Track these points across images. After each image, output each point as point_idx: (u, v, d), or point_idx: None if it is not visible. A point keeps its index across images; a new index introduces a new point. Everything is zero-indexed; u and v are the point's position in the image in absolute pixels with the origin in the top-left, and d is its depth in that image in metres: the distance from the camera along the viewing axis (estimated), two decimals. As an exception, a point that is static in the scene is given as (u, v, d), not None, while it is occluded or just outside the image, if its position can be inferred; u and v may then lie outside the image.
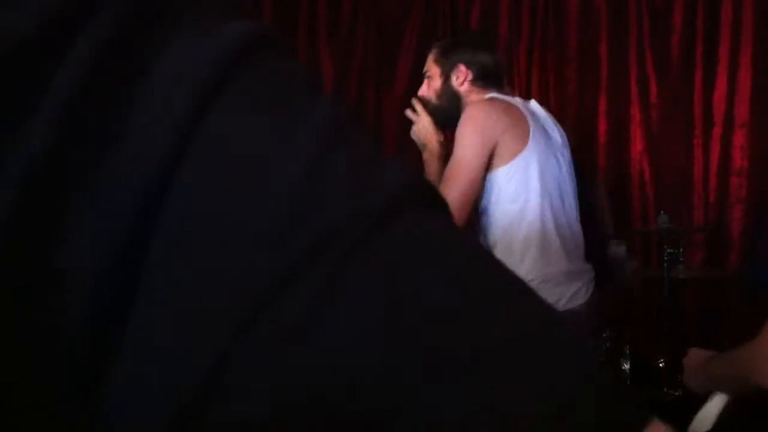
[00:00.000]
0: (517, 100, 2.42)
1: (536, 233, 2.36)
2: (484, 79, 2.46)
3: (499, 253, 2.32)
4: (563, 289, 2.38)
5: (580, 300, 2.41)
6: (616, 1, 4.02)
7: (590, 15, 4.01)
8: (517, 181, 2.33)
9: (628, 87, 3.98)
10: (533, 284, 2.21)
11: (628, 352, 3.25)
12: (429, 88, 2.51)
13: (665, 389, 3.22)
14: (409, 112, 2.53)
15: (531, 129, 2.36)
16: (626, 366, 3.23)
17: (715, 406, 1.94)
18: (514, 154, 2.34)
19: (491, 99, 2.38)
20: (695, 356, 1.93)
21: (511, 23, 4.03)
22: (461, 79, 2.46)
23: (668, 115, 3.96)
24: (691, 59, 3.92)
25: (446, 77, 2.47)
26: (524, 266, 2.33)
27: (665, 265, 3.34)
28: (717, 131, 3.87)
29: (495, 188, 2.35)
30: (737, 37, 3.84)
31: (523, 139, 2.34)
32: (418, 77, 4.00)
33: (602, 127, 4.00)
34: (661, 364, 3.28)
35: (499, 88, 2.44)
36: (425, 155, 2.45)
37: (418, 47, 4.05)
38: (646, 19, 3.97)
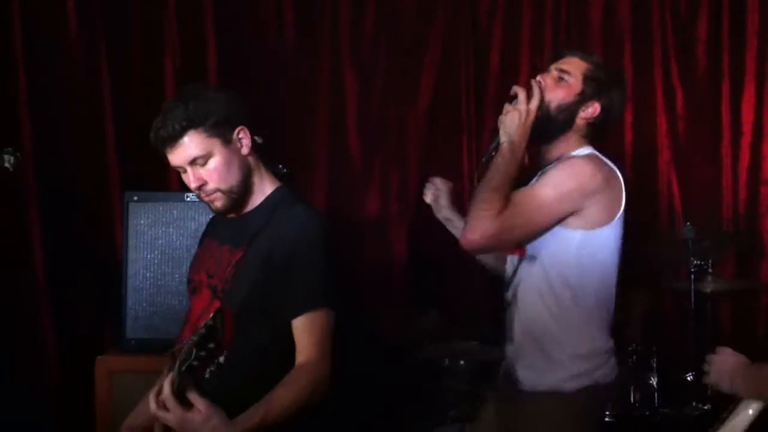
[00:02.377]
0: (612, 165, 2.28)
1: (592, 308, 2.26)
2: (598, 129, 2.31)
3: (538, 310, 2.25)
4: (610, 365, 2.30)
5: (615, 373, 2.32)
6: (639, 12, 3.97)
7: (613, 26, 3.97)
8: (592, 251, 2.22)
9: (654, 97, 3.92)
10: (581, 357, 2.15)
11: (655, 366, 3.21)
12: (554, 90, 2.27)
13: (694, 403, 3.17)
14: (520, 92, 2.22)
15: (623, 203, 2.25)
16: (653, 380, 3.18)
17: (748, 414, 1.89)
18: (598, 224, 2.21)
19: (596, 157, 2.25)
20: (729, 358, 1.89)
21: (533, 37, 4.00)
22: (587, 115, 2.28)
23: (695, 126, 3.90)
24: (718, 69, 3.87)
25: (580, 100, 2.27)
26: (573, 337, 2.24)
27: (692, 277, 3.28)
28: (746, 140, 3.81)
29: (562, 244, 2.21)
30: (764, 46, 3.78)
31: (613, 210, 2.23)
32: (440, 94, 4.04)
33: (628, 137, 3.95)
34: (689, 378, 3.23)
35: (598, 143, 2.32)
36: (505, 149, 2.19)
37: (440, 64, 4.03)
38: (670, 29, 3.93)
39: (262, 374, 1.98)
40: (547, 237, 2.22)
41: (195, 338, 1.73)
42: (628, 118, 3.93)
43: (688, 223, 3.40)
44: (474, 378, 3.33)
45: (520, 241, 2.23)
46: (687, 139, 3.91)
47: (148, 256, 3.17)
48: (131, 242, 3.18)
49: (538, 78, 2.30)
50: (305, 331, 1.99)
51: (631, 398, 3.20)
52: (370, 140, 4.01)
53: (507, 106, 2.24)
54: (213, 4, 3.83)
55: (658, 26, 3.93)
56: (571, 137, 2.29)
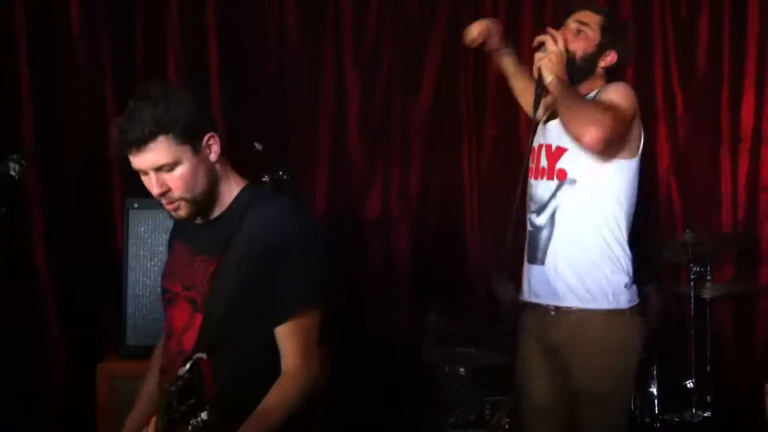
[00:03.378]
0: None
1: (631, 229, 2.50)
2: (613, 73, 2.57)
3: (590, 235, 2.45)
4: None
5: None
6: (640, 13, 3.96)
7: (614, 29, 3.96)
8: (634, 177, 2.48)
9: (654, 101, 3.91)
10: (631, 276, 2.39)
11: (655, 373, 3.21)
12: (575, 41, 2.51)
13: (694, 410, 3.18)
14: (547, 40, 2.47)
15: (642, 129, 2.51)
16: (654, 388, 3.19)
17: None
18: (636, 151, 2.49)
19: None
20: None
21: (534, 38, 3.98)
22: (606, 62, 2.54)
23: (695, 130, 3.90)
24: (718, 73, 3.86)
25: (599, 50, 2.53)
26: (626, 259, 2.48)
27: (692, 283, 3.29)
28: (745, 146, 3.81)
29: (617, 173, 2.44)
30: (764, 51, 3.79)
31: (640, 139, 2.51)
32: (442, 94, 4.03)
33: (628, 142, 3.94)
34: (689, 385, 3.24)
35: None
36: (556, 83, 2.41)
37: (442, 64, 4.02)
38: (671, 32, 3.92)
39: (251, 381, 1.95)
40: (598, 166, 2.43)
41: (173, 389, 1.68)
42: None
43: (688, 230, 3.39)
44: (473, 384, 3.34)
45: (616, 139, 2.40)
46: (686, 143, 3.90)
47: (149, 263, 3.16)
48: (131, 249, 3.17)
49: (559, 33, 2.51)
50: (287, 337, 1.95)
51: (632, 406, 3.20)
52: (371, 140, 4.01)
53: (538, 54, 2.48)
54: (215, 3, 3.82)
55: (659, 29, 3.92)
56: (593, 82, 2.54)
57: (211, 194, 2.02)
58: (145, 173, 1.98)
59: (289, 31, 3.95)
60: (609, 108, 2.37)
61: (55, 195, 3.61)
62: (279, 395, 1.93)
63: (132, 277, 3.16)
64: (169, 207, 2.02)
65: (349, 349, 3.32)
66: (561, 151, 2.49)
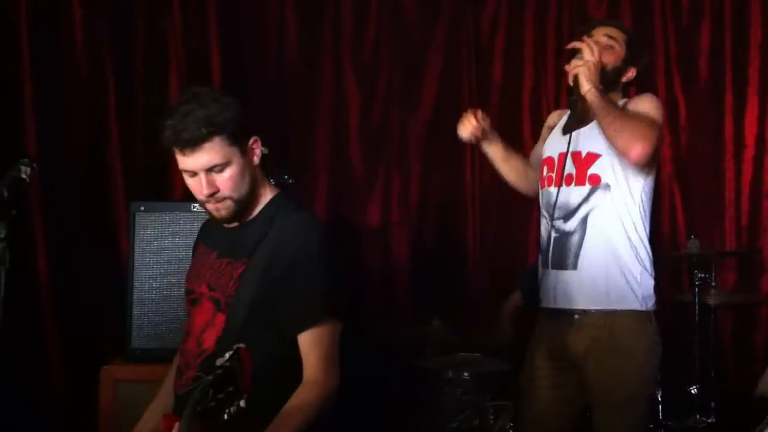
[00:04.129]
0: None
1: (646, 246, 2.55)
2: (627, 88, 2.65)
3: (622, 237, 2.50)
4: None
5: None
6: (641, 23, 3.98)
7: (616, 37, 3.98)
8: (654, 185, 2.56)
9: (657, 108, 3.93)
10: (653, 281, 2.45)
11: (659, 378, 3.21)
12: (606, 54, 2.55)
13: (698, 416, 3.18)
14: (584, 47, 2.48)
15: None
16: (658, 394, 3.18)
17: None
18: (659, 158, 2.59)
19: None
20: None
21: (536, 47, 4.02)
22: (626, 77, 2.63)
23: (698, 138, 3.92)
24: (721, 81, 3.89)
25: (624, 65, 2.60)
26: (650, 263, 2.53)
27: (696, 290, 3.29)
28: (749, 153, 3.83)
29: (647, 178, 2.52)
30: (766, 58, 3.80)
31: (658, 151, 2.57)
32: (442, 102, 4.04)
33: (631, 149, 3.95)
34: (693, 391, 3.24)
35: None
36: (595, 93, 2.42)
37: (442, 72, 4.04)
38: (672, 41, 3.94)
39: (270, 386, 1.95)
40: (629, 171, 2.49)
41: (210, 378, 1.66)
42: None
43: (692, 237, 3.40)
44: (477, 389, 3.33)
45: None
46: (689, 151, 3.93)
47: (154, 266, 3.16)
48: (137, 252, 3.17)
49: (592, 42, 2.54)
50: (311, 346, 2.00)
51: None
52: (371, 148, 4.02)
53: (574, 62, 2.49)
54: (216, 15, 3.85)
55: (661, 37, 3.95)
56: (615, 96, 2.57)
57: (252, 196, 2.10)
58: (194, 174, 2.02)
59: (288, 37, 3.97)
60: (651, 121, 2.44)
61: (58, 198, 3.62)
62: (301, 400, 1.96)
63: (137, 280, 3.16)
64: (213, 207, 2.07)
65: (350, 356, 3.32)
66: (593, 157, 2.53)
